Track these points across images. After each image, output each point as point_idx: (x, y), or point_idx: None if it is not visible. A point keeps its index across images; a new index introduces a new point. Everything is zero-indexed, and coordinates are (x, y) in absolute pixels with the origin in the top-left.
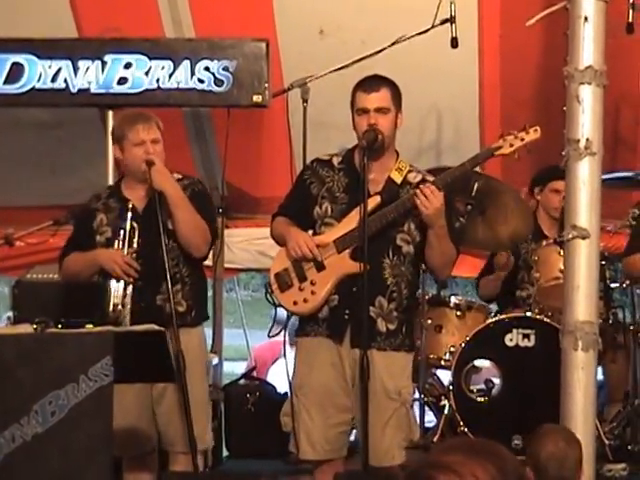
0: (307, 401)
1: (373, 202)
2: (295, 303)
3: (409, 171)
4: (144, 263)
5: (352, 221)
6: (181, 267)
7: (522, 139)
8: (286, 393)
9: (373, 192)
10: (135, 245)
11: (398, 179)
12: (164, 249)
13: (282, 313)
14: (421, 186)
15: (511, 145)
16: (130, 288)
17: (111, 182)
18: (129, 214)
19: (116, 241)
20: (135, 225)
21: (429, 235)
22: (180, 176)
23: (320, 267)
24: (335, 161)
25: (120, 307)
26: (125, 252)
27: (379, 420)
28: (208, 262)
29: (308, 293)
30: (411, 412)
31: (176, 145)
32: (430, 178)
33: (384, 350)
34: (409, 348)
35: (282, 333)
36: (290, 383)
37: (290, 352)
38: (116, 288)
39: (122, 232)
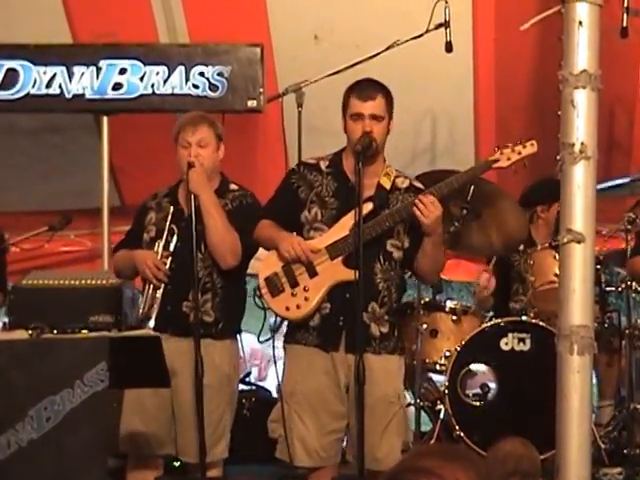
0: (300, 408)
1: (365, 209)
2: (287, 309)
3: (396, 176)
4: (178, 268)
5: (344, 227)
6: (214, 277)
7: (519, 152)
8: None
9: (364, 197)
10: (171, 248)
11: (387, 184)
12: (195, 255)
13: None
14: (420, 196)
15: (508, 159)
16: (159, 291)
17: (106, 188)
18: (170, 217)
19: (157, 242)
20: (175, 228)
21: (425, 243)
22: (236, 187)
23: (313, 273)
24: (322, 165)
25: (147, 309)
26: (160, 254)
27: (378, 425)
28: None
29: (301, 299)
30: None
31: (170, 150)
32: (417, 184)
33: (379, 354)
34: (401, 351)
35: (273, 337)
36: (279, 389)
37: (280, 358)
38: (148, 289)
39: (164, 234)
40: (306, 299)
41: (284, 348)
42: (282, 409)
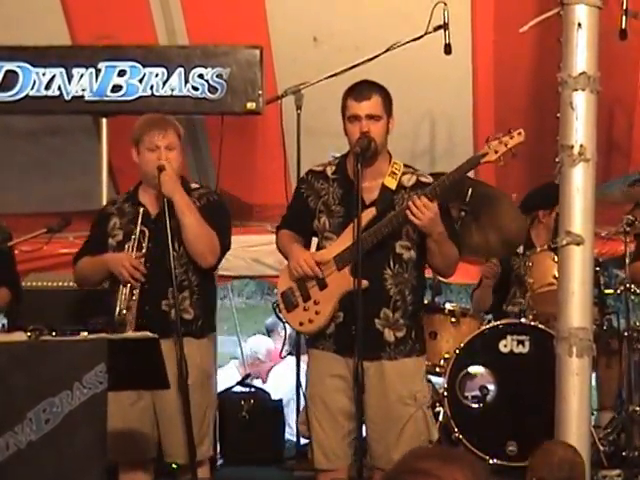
0: (317, 411)
1: (369, 215)
2: (301, 324)
3: (403, 173)
4: (153, 268)
5: (349, 236)
6: (190, 275)
7: (506, 144)
8: (281, 400)
9: (368, 200)
10: (144, 249)
11: (392, 185)
12: (171, 255)
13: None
14: (413, 198)
15: (496, 152)
16: (136, 292)
17: (105, 190)
18: (139, 218)
19: (126, 245)
20: (145, 230)
21: (429, 243)
22: (197, 185)
23: (322, 285)
24: (329, 171)
25: (125, 311)
26: (133, 256)
27: (394, 428)
28: None
29: (312, 313)
30: (429, 413)
31: None
32: (424, 179)
33: (395, 359)
34: (420, 352)
35: (286, 347)
36: (304, 393)
37: (290, 364)
38: (123, 292)
39: (133, 236)
40: (317, 313)
41: (307, 352)
42: (306, 411)
